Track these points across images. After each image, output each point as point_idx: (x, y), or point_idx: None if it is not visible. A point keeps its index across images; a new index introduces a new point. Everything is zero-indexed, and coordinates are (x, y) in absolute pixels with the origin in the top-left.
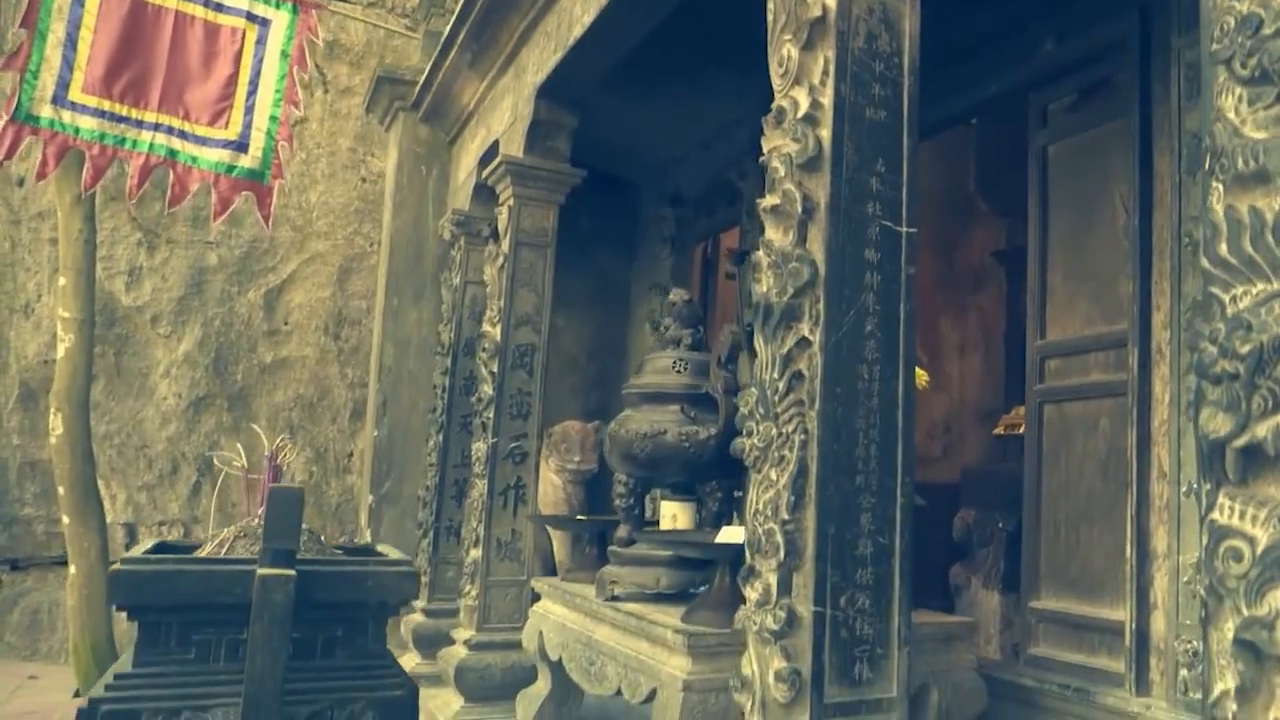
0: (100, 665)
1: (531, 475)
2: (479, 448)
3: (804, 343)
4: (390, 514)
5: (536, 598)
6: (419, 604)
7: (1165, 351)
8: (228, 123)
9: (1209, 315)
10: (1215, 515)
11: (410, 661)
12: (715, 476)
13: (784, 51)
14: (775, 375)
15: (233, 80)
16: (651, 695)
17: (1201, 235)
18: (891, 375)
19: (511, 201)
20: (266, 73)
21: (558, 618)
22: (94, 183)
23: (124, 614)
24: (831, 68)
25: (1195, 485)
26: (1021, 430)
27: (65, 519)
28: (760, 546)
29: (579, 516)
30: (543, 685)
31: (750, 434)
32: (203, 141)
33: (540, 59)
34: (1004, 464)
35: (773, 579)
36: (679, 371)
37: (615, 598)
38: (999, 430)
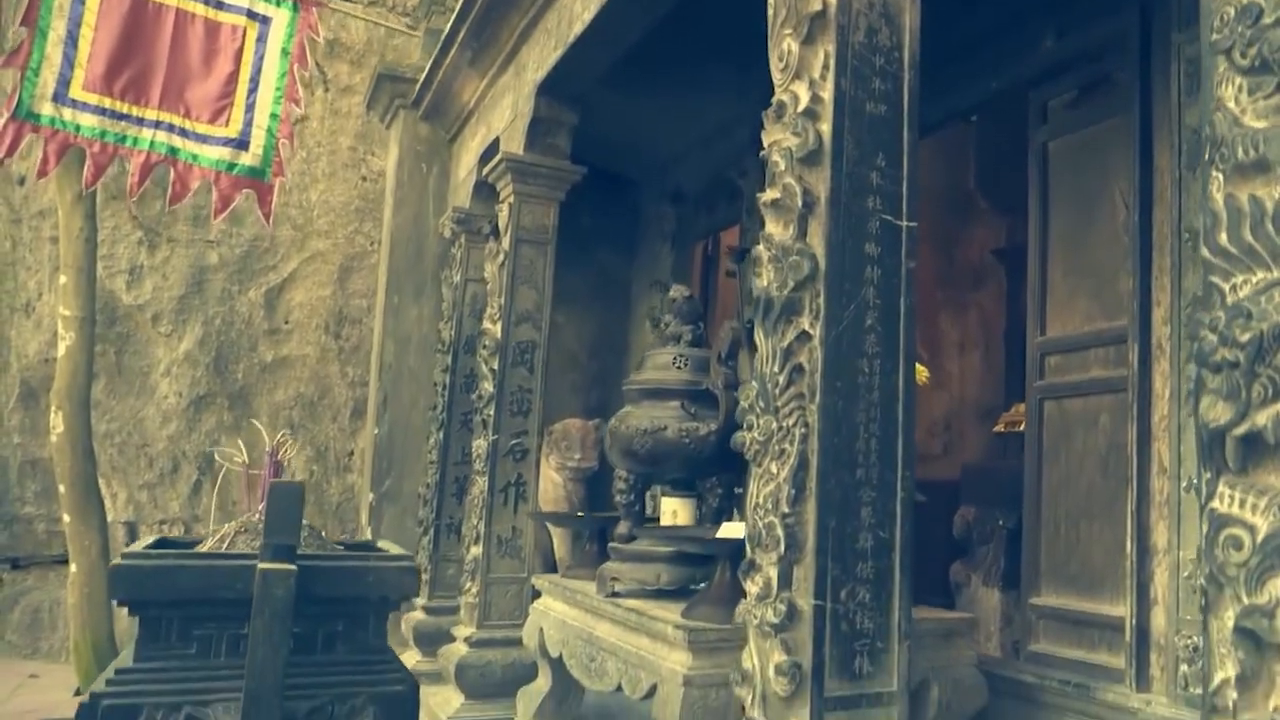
0: (101, 663)
1: (532, 472)
2: (479, 445)
3: (804, 336)
4: (391, 511)
5: (537, 595)
6: (419, 601)
7: (1165, 347)
8: (228, 120)
9: (1209, 304)
10: (1215, 504)
11: (411, 659)
12: (716, 472)
13: (784, 46)
14: (776, 369)
15: (233, 78)
16: (652, 691)
17: (1201, 224)
18: (892, 369)
19: (512, 198)
20: (267, 70)
21: (558, 614)
22: (95, 180)
23: (125, 613)
24: (832, 62)
25: (1195, 480)
26: (1022, 427)
27: (66, 517)
28: (761, 540)
29: (579, 514)
30: (543, 682)
31: (751, 428)
32: (203, 139)
33: (541, 56)
34: (1004, 461)
35: (773, 572)
36: (679, 367)
37: (616, 594)
38: (999, 427)
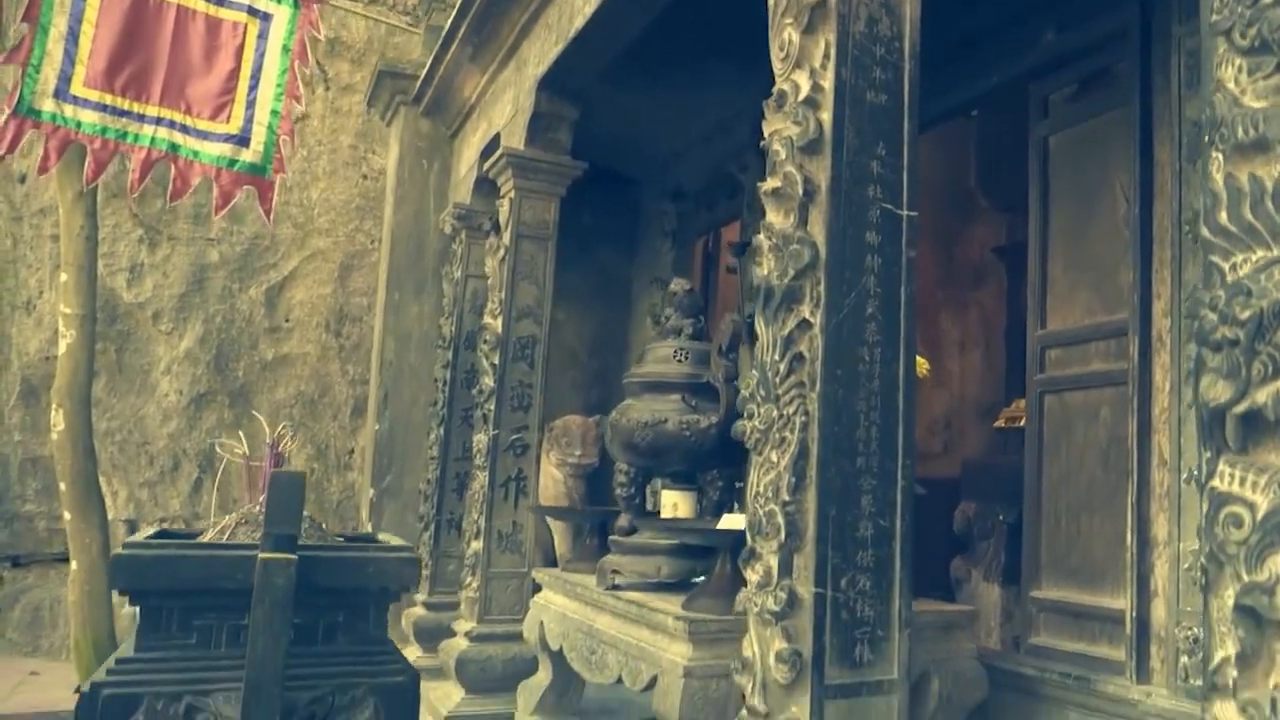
0: (102, 661)
1: (532, 467)
2: (480, 440)
3: (805, 325)
4: (391, 507)
5: (537, 589)
6: (420, 597)
7: (1166, 340)
8: (229, 117)
9: (1209, 283)
10: (1215, 482)
11: (411, 654)
12: (716, 465)
13: (785, 35)
14: (776, 357)
15: (234, 74)
16: (652, 683)
17: (1201, 204)
18: (892, 358)
19: (513, 194)
20: (268, 67)
21: (559, 608)
22: (95, 177)
23: (125, 611)
24: (832, 51)
25: (1196, 472)
26: (1022, 423)
27: (67, 515)
28: (761, 528)
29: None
30: (544, 676)
31: (751, 416)
32: (204, 135)
33: (541, 51)
34: (1004, 456)
35: (773, 561)
36: (680, 361)
37: (616, 587)
38: (999, 423)
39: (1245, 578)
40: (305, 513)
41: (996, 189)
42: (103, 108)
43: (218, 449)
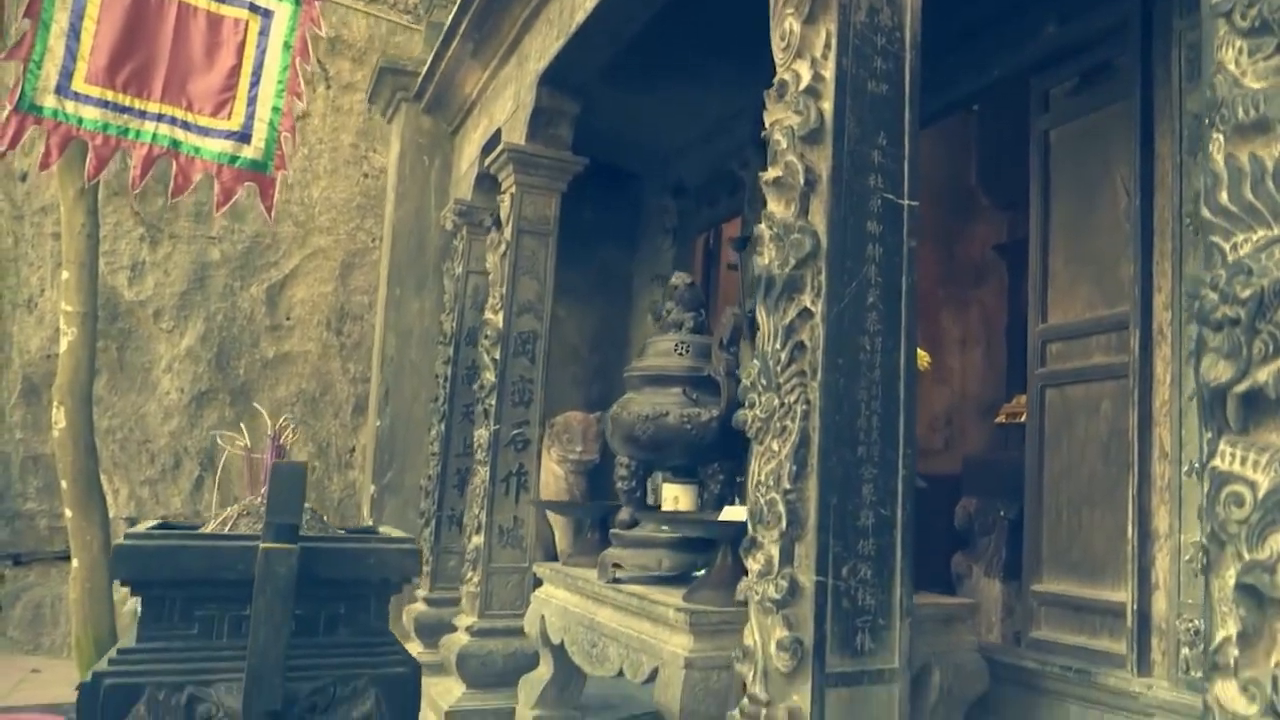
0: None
1: (534, 462)
2: (481, 435)
3: (806, 314)
4: (392, 504)
5: (538, 585)
6: (421, 593)
7: (1167, 333)
8: (230, 113)
9: (1210, 263)
10: (1216, 462)
11: (412, 650)
12: (717, 458)
13: (786, 25)
14: (777, 346)
15: (235, 71)
16: (653, 675)
17: (1202, 185)
18: (893, 347)
19: (514, 189)
20: (269, 64)
21: (560, 601)
22: (97, 173)
23: (126, 609)
24: (833, 41)
25: (1197, 465)
26: (1023, 418)
27: (68, 513)
28: (762, 517)
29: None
30: (544, 670)
31: (752, 405)
32: (205, 132)
33: (543, 46)
34: (1005, 452)
35: (774, 549)
36: (681, 354)
37: (618, 580)
38: (1000, 419)
39: (1246, 556)
40: (306, 505)
41: (997, 187)
42: (104, 104)
43: (219, 440)
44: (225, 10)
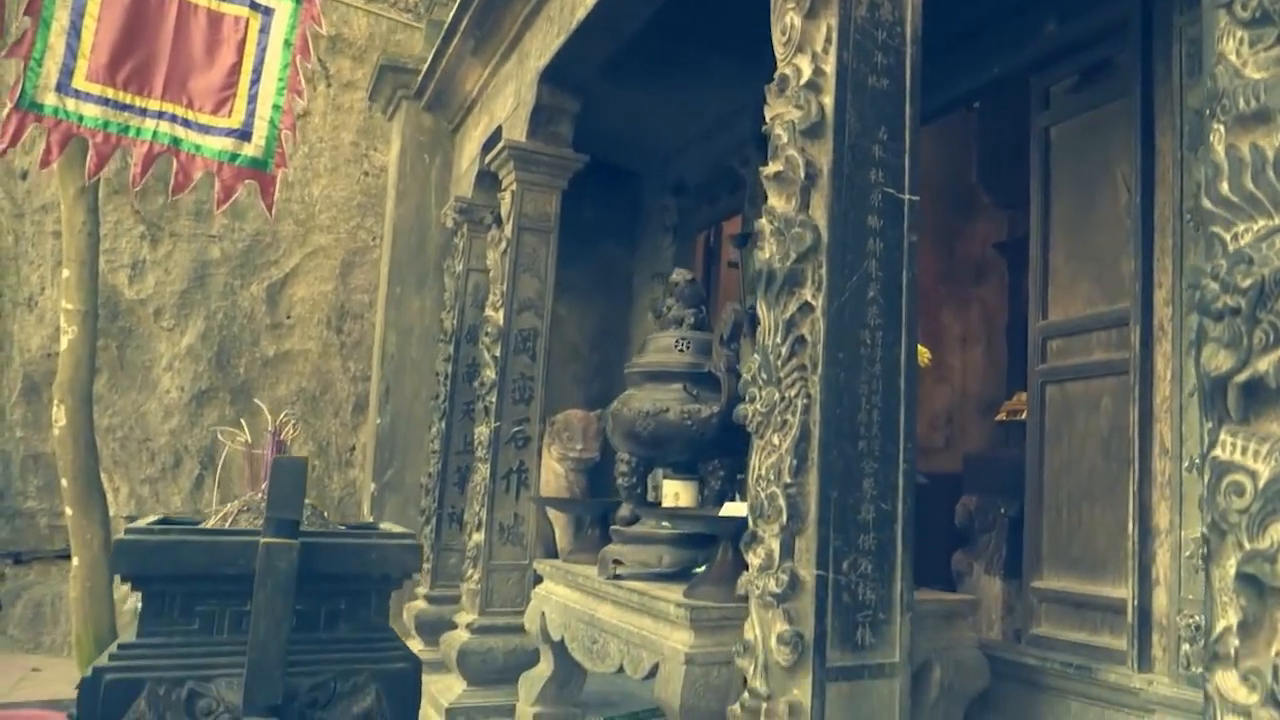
0: None
1: (534, 459)
2: (481, 432)
3: (806, 308)
4: (393, 502)
5: (539, 582)
6: (421, 591)
7: (1167, 328)
8: (231, 111)
9: (1210, 253)
10: (1217, 452)
11: (413, 648)
12: (717, 455)
13: (787, 19)
14: (778, 340)
15: (236, 69)
16: (654, 671)
17: (1203, 176)
18: (894, 342)
19: (514, 186)
20: (270, 61)
21: (560, 598)
22: (97, 171)
23: (126, 607)
24: (834, 35)
25: (1197, 460)
26: (1023, 416)
27: (68, 512)
28: (763, 511)
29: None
30: (545, 667)
31: (753, 399)
32: (206, 130)
33: (543, 43)
34: (1006, 450)
35: (775, 543)
36: (681, 350)
37: (618, 576)
38: (1001, 416)
39: (1247, 545)
40: (307, 501)
41: (997, 185)
42: (105, 102)
43: (220, 436)
44: (226, 8)
